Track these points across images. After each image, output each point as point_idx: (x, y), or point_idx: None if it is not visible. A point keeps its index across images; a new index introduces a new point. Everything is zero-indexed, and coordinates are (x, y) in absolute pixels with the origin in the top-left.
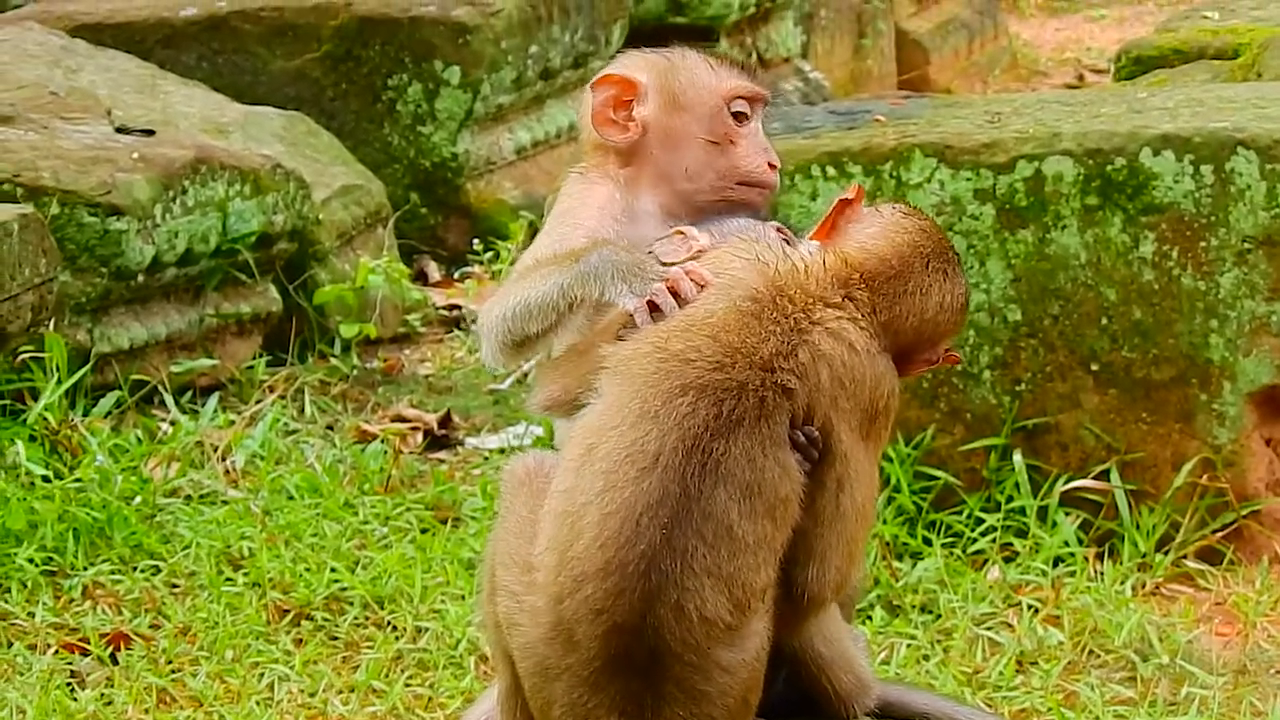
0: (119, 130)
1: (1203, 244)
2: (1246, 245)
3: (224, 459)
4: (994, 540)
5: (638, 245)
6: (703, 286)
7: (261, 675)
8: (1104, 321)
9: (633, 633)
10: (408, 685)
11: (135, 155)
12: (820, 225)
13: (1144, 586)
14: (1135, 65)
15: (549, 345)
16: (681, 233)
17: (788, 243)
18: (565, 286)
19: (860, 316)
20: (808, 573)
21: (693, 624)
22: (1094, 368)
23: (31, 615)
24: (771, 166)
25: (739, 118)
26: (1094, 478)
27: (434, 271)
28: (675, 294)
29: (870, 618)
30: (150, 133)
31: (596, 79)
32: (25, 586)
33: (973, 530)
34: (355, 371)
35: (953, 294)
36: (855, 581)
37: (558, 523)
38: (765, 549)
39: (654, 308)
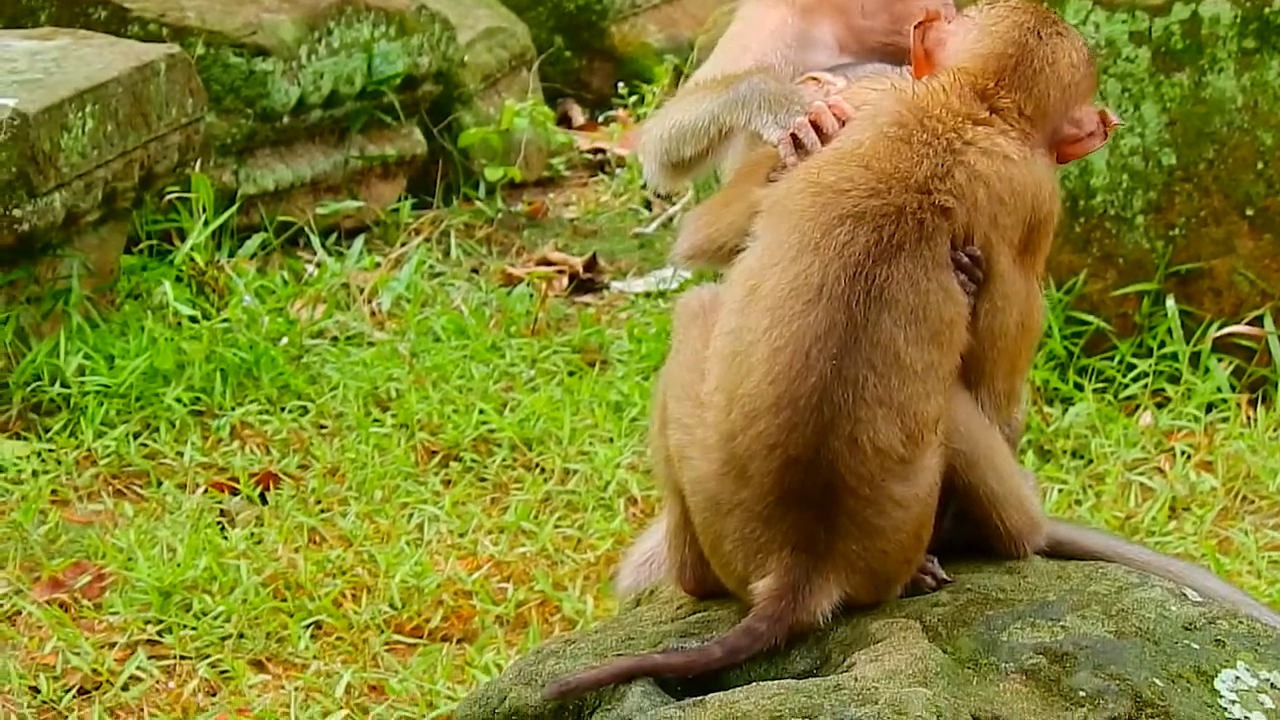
0: None
1: None
2: None
3: (370, 301)
4: (1146, 386)
5: (806, 71)
6: (844, 121)
7: (411, 516)
8: (1260, 166)
9: (806, 466)
10: (557, 527)
11: None
12: (915, 63)
13: None
14: None
15: (708, 169)
16: (816, 79)
17: None
18: (715, 113)
19: (1010, 126)
20: (971, 389)
21: (866, 456)
22: (1249, 213)
23: (180, 455)
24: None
25: None
26: (1247, 323)
27: (578, 115)
28: (818, 128)
29: (1021, 462)
30: None
31: None
32: (174, 426)
33: (1124, 376)
34: (500, 215)
35: (1076, 49)
36: (1020, 397)
37: (725, 363)
38: (933, 376)
39: (797, 142)
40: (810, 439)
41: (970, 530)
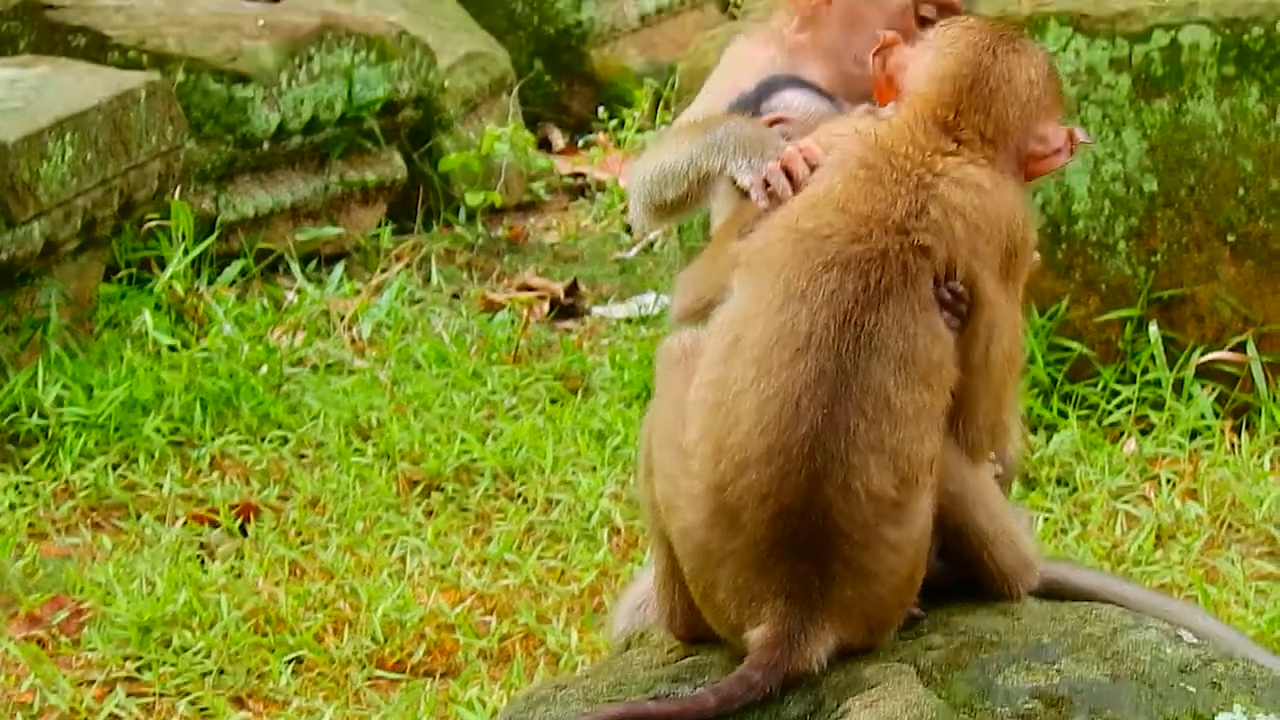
0: None
1: None
2: None
3: (350, 328)
4: (1130, 412)
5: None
6: (814, 166)
7: (393, 548)
8: (1241, 192)
9: (800, 515)
10: (540, 558)
11: (260, 22)
12: (878, 89)
13: None
14: None
15: (693, 211)
16: (781, 119)
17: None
18: (694, 157)
19: (977, 155)
20: (959, 424)
21: (860, 502)
22: (1230, 239)
23: (159, 486)
24: None
25: (923, 22)
26: (1230, 349)
27: (558, 139)
28: (789, 174)
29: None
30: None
31: None
32: (153, 457)
33: (1108, 402)
34: (481, 240)
35: (1035, 65)
36: (1011, 430)
37: (710, 413)
38: (926, 418)
39: (769, 187)
40: (803, 487)
41: (961, 570)
